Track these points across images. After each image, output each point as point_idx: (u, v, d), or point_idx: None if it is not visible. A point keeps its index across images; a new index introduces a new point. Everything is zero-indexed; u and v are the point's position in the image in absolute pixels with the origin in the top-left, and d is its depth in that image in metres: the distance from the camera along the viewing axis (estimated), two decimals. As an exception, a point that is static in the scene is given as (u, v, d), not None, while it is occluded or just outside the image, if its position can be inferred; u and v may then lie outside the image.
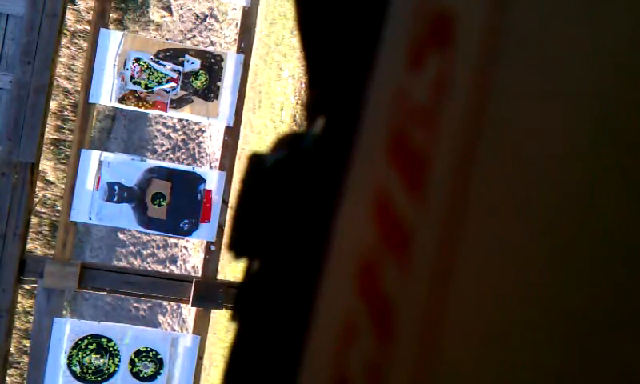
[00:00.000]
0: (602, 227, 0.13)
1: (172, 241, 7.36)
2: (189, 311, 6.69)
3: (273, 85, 6.65)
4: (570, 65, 0.14)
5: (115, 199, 3.55)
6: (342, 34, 0.29)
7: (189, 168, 3.82)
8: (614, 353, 0.13)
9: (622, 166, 0.13)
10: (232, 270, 5.46)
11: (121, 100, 3.60)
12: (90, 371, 3.50)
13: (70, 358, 3.46)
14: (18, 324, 6.71)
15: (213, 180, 3.65)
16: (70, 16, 7.22)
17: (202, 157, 7.40)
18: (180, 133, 7.59)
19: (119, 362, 3.53)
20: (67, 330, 3.45)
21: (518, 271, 0.14)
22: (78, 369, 3.48)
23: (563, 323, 0.13)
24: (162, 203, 3.59)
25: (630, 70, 0.13)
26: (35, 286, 3.54)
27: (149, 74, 3.61)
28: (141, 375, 3.57)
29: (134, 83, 3.60)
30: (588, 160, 0.13)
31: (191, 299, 3.53)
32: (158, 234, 5.27)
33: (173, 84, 3.64)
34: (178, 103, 3.66)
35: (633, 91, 0.13)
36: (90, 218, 3.56)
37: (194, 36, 7.59)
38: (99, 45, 3.55)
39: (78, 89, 5.61)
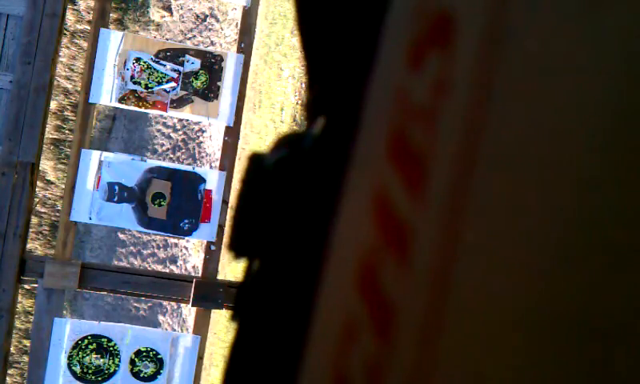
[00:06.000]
0: (603, 230, 0.13)
1: (172, 241, 7.37)
2: (189, 311, 6.69)
3: (273, 85, 6.65)
4: (570, 64, 0.14)
5: (115, 199, 3.55)
6: (342, 34, 0.29)
7: (189, 168, 3.82)
8: (614, 357, 0.13)
9: (624, 167, 0.13)
10: (232, 270, 5.46)
11: (121, 100, 3.60)
12: (90, 371, 3.50)
13: (70, 357, 3.46)
14: (18, 324, 6.71)
15: (213, 180, 3.65)
16: (70, 16, 7.22)
17: (202, 157, 7.40)
18: (180, 133, 7.59)
19: (119, 361, 3.53)
20: (67, 330, 3.45)
21: (518, 272, 0.14)
22: (78, 369, 3.48)
23: (563, 326, 0.13)
24: (162, 203, 3.59)
25: (631, 70, 0.13)
26: (35, 285, 3.54)
27: (149, 74, 3.61)
28: (141, 375, 3.57)
29: (134, 83, 3.60)
30: (589, 160, 0.13)
31: (191, 299, 3.53)
32: (158, 234, 5.27)
33: (173, 84, 3.64)
34: (178, 103, 3.66)
35: (633, 91, 0.13)
36: (90, 218, 3.56)
37: (194, 36, 7.59)
38: (99, 45, 3.55)
39: (78, 89, 5.61)
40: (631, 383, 0.13)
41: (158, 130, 7.73)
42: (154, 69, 3.62)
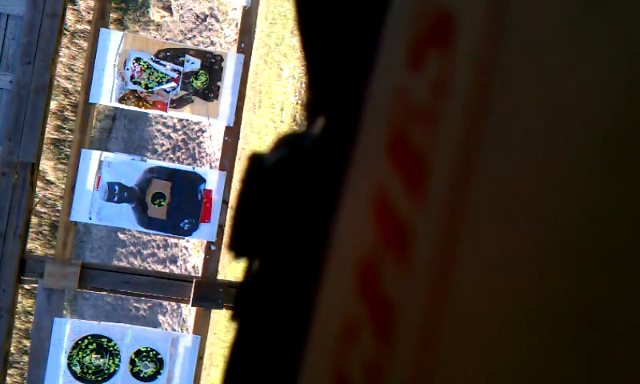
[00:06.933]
0: (604, 229, 0.13)
1: (172, 241, 7.37)
2: (189, 311, 6.69)
3: (273, 85, 6.65)
4: (570, 64, 0.14)
5: (115, 199, 3.55)
6: (342, 34, 0.29)
7: (189, 168, 3.82)
8: (615, 357, 0.13)
9: (625, 167, 0.13)
10: (232, 270, 5.46)
11: (121, 100, 3.60)
12: (90, 371, 3.50)
13: (70, 357, 3.46)
14: (18, 324, 6.71)
15: (213, 180, 3.65)
16: (70, 16, 7.22)
17: (202, 157, 7.40)
18: (180, 133, 7.59)
19: (119, 361, 3.53)
20: (67, 330, 3.45)
21: (518, 271, 0.14)
22: (78, 369, 3.48)
23: (564, 324, 0.13)
24: (162, 203, 3.59)
25: (632, 70, 0.13)
26: (35, 285, 3.54)
27: (149, 74, 3.61)
28: (141, 375, 3.57)
29: (134, 83, 3.60)
30: (590, 160, 0.13)
31: (191, 299, 3.53)
32: (158, 234, 5.27)
33: (173, 84, 3.64)
34: (178, 103, 3.66)
35: (634, 91, 0.13)
36: (90, 218, 3.56)
37: (194, 36, 7.59)
38: (99, 45, 3.55)
39: (78, 89, 5.61)
40: (632, 383, 0.13)
41: (158, 130, 7.73)
42: (154, 69, 3.62)
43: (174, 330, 7.06)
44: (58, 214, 6.41)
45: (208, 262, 3.65)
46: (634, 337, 0.12)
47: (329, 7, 0.30)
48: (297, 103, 6.35)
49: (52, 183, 7.66)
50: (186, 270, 7.25)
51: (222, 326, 5.99)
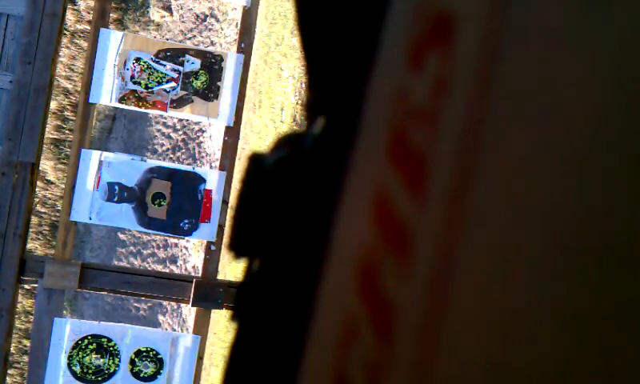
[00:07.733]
0: (602, 229, 0.13)
1: (172, 241, 7.36)
2: (189, 311, 6.69)
3: (273, 85, 6.65)
4: (570, 65, 0.14)
5: (115, 199, 3.55)
6: (342, 34, 0.29)
7: (189, 168, 3.82)
8: (617, 357, 0.13)
9: (626, 166, 0.13)
10: (232, 269, 5.46)
11: (121, 100, 3.60)
12: (90, 371, 3.50)
13: (70, 357, 3.46)
14: (18, 324, 6.71)
15: (213, 180, 3.65)
16: (70, 16, 7.22)
17: (202, 157, 7.40)
18: (180, 133, 7.59)
19: (119, 361, 3.53)
20: (67, 330, 3.45)
21: (518, 272, 0.14)
22: (78, 369, 3.48)
23: (563, 324, 0.13)
24: (162, 203, 3.59)
25: (632, 70, 0.13)
26: (35, 285, 3.54)
27: (149, 74, 3.61)
28: (141, 375, 3.57)
29: (134, 83, 3.60)
30: (591, 159, 0.13)
31: (191, 299, 3.53)
32: (158, 234, 5.27)
33: (173, 84, 3.64)
34: (178, 103, 3.66)
35: (635, 91, 0.13)
36: (90, 218, 3.56)
37: (194, 36, 7.59)
38: (99, 45, 3.55)
39: (78, 89, 5.60)
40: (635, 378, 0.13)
41: (158, 130, 7.73)
42: (154, 69, 3.62)
43: (174, 330, 7.06)
44: (57, 214, 6.42)
45: (208, 262, 3.65)
46: (636, 338, 0.12)
47: (329, 7, 0.30)
48: (297, 103, 6.35)
49: (52, 183, 7.66)
50: (185, 269, 7.25)
51: (222, 325, 5.99)
